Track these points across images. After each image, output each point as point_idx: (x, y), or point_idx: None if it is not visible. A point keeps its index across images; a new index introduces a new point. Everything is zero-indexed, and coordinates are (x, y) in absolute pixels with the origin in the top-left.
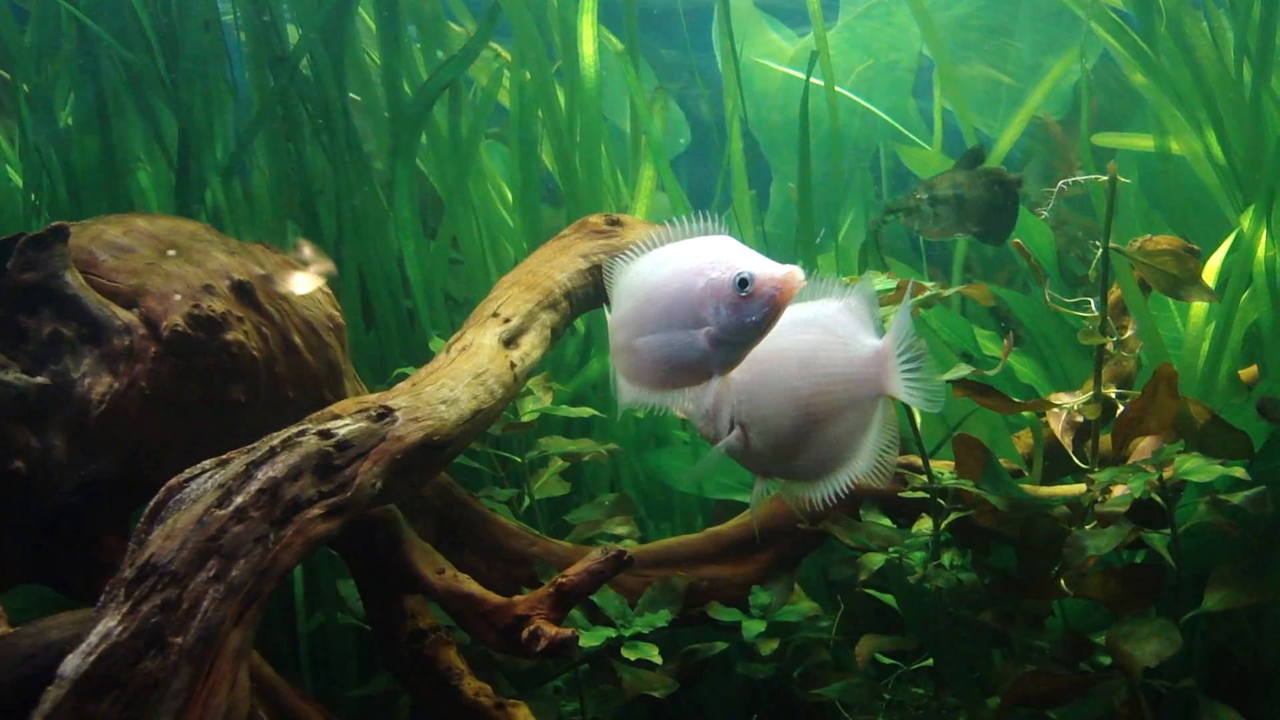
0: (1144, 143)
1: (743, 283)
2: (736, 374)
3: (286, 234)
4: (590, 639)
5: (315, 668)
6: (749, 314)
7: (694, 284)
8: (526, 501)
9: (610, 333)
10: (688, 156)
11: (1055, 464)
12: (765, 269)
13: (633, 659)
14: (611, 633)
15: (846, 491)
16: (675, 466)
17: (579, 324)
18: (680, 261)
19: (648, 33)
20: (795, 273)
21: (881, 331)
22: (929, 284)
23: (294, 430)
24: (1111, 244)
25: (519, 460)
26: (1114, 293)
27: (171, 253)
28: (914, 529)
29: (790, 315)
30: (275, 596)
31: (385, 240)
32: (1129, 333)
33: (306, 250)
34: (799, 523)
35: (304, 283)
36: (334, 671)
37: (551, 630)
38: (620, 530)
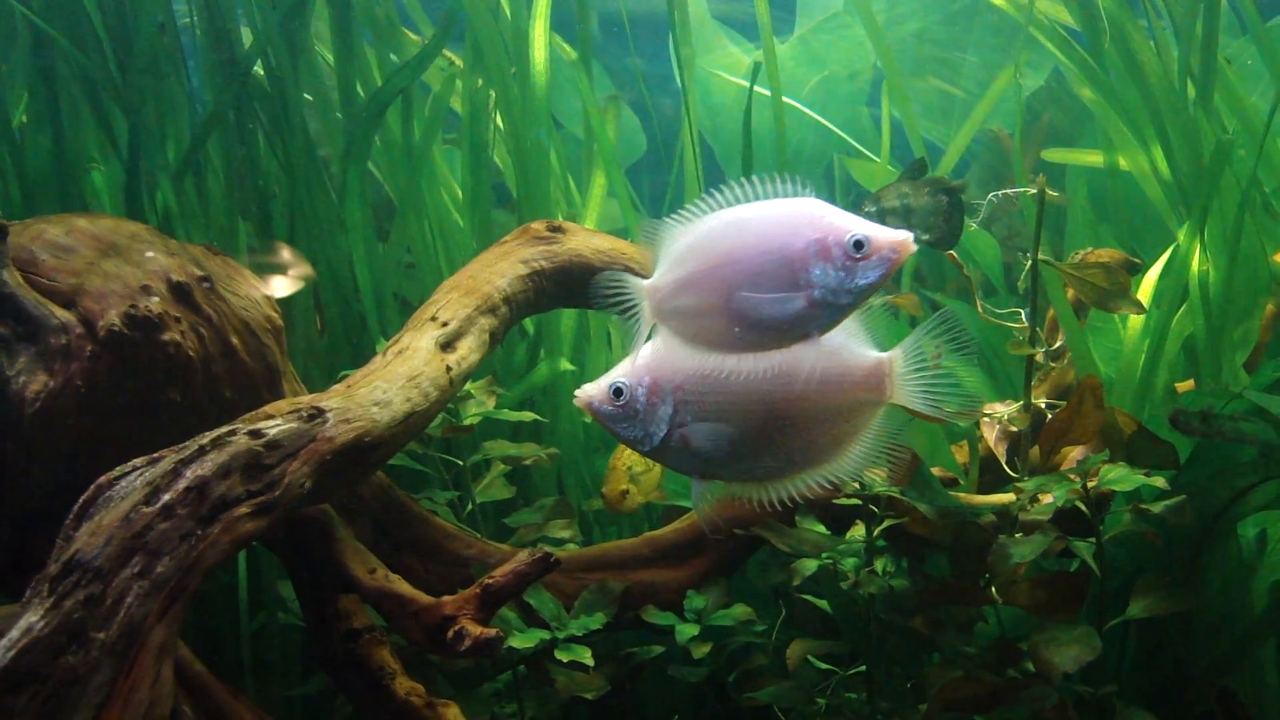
0: (1093, 158)
1: (858, 244)
2: (681, 376)
3: (239, 235)
4: (524, 641)
5: (259, 668)
6: (862, 276)
7: (792, 244)
8: (470, 505)
9: (658, 298)
10: (647, 165)
11: (995, 474)
12: (879, 231)
13: (566, 661)
14: (546, 635)
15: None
16: None
17: (528, 327)
18: (767, 222)
19: (610, 41)
20: (910, 238)
21: (879, 341)
22: None
23: (225, 430)
24: (1041, 257)
25: (461, 464)
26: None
27: (111, 253)
28: (848, 536)
29: None
30: (219, 598)
31: (338, 243)
32: (1058, 343)
33: (285, 253)
34: (736, 528)
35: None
36: (277, 672)
37: (476, 630)
38: (563, 534)
